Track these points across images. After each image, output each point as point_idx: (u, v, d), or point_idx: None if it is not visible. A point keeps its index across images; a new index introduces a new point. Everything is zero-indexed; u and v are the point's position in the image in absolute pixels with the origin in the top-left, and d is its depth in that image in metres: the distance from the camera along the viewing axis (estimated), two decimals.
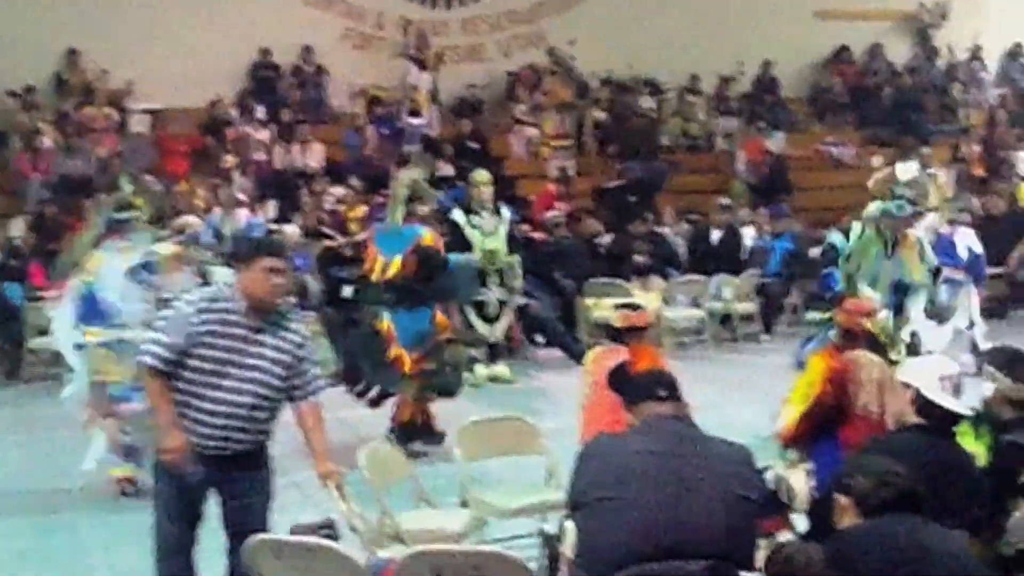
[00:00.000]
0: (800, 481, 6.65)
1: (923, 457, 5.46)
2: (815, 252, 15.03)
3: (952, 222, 14.36)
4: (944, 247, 13.62)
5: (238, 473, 6.32)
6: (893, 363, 8.14)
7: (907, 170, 11.55)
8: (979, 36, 24.92)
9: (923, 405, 5.79)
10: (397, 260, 10.95)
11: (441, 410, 11.27)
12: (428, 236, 11.15)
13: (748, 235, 18.06)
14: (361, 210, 18.59)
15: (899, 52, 25.08)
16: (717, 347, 16.05)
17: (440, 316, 11.12)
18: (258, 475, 6.44)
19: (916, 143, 22.26)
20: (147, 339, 6.45)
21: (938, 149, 22.29)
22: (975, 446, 6.17)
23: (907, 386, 5.88)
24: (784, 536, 6.15)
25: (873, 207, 11.10)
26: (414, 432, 10.94)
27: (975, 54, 25.06)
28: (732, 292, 16.43)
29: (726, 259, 17.49)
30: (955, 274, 13.67)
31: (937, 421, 5.78)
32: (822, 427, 6.77)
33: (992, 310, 17.43)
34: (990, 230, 17.89)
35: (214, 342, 6.18)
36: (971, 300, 13.83)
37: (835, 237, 11.41)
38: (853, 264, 10.82)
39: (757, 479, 5.30)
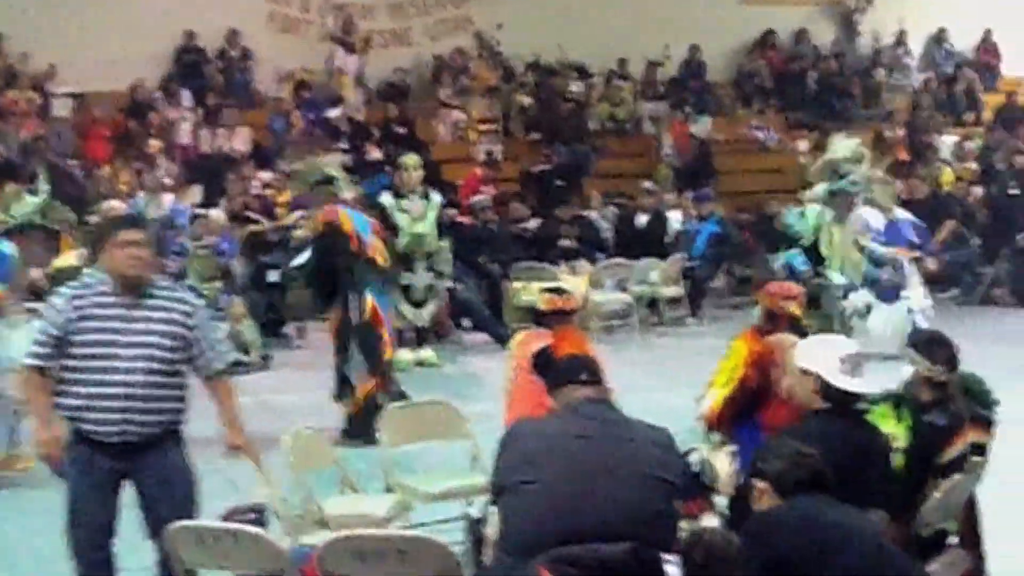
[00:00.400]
0: (723, 463, 6.66)
1: (836, 440, 5.50)
2: (754, 233, 15.02)
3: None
4: (893, 231, 13.83)
5: (148, 460, 6.24)
6: None
7: (846, 145, 11.60)
8: (903, 21, 25.11)
9: (827, 390, 5.82)
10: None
11: None
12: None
13: (674, 219, 18.12)
14: (287, 194, 18.52)
15: (824, 37, 25.24)
16: (644, 331, 16.09)
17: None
18: (168, 461, 6.32)
19: (840, 127, 22.46)
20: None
21: (862, 134, 22.35)
22: (896, 428, 6.21)
23: (807, 372, 5.90)
24: (707, 518, 6.17)
25: (821, 188, 11.17)
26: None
27: (899, 39, 25.26)
28: (658, 276, 16.48)
29: (652, 243, 17.55)
30: (902, 254, 13.88)
31: (842, 404, 5.82)
32: (745, 410, 6.80)
33: None
34: (913, 214, 18.08)
35: (93, 326, 6.12)
36: (916, 281, 14.02)
37: (791, 218, 11.40)
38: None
39: (678, 462, 5.33)
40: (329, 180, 11.38)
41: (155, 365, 6.15)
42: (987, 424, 6.33)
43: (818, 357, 5.91)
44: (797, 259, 10.90)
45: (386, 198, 14.00)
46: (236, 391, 6.53)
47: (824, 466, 4.98)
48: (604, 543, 4.85)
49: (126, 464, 6.21)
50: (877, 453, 5.78)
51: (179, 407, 6.34)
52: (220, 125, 20.26)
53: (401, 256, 13.46)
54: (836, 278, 11.09)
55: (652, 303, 16.66)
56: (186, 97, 20.51)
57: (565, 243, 17.37)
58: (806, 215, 11.05)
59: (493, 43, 22.40)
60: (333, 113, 20.98)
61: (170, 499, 6.26)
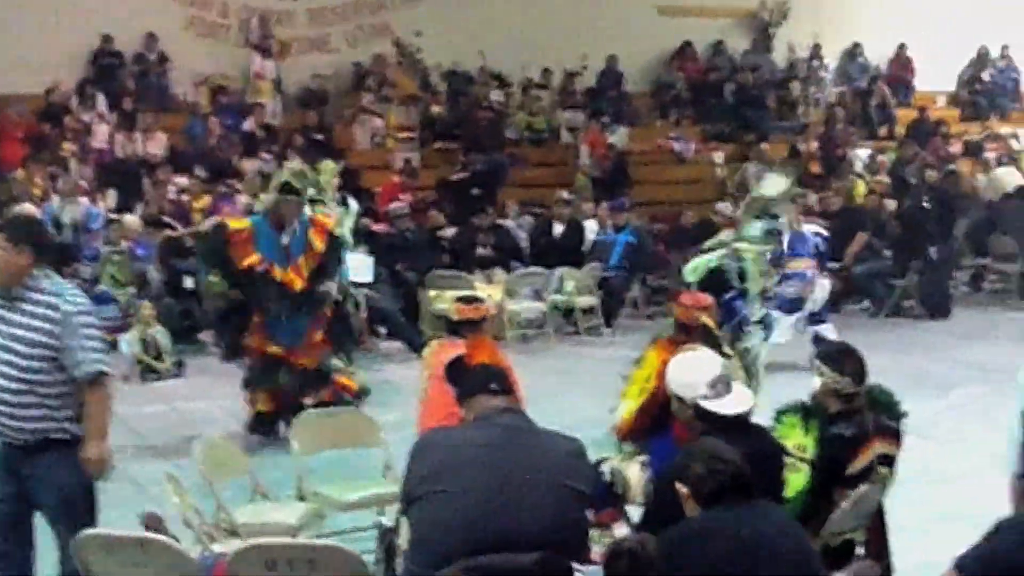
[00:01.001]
0: (635, 473, 6.70)
1: (740, 448, 5.54)
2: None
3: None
4: (795, 241, 13.99)
5: (34, 465, 6.17)
6: (726, 356, 8.28)
7: (777, 183, 11.62)
8: (819, 35, 25.34)
9: (703, 415, 5.87)
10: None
11: None
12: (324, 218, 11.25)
13: (590, 228, 18.17)
14: (205, 200, 18.44)
15: (741, 49, 25.43)
16: (559, 340, 16.15)
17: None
18: (52, 468, 6.18)
19: (755, 139, 22.67)
20: None
21: (777, 146, 22.69)
22: (804, 439, 6.26)
23: (682, 401, 5.94)
24: (618, 527, 6.20)
25: (758, 228, 11.18)
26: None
27: (815, 52, 25.48)
28: (574, 285, 16.53)
29: (568, 252, 17.59)
30: (804, 267, 14.03)
31: (727, 425, 5.84)
32: (657, 420, 6.81)
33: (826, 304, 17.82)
34: (827, 226, 18.26)
35: None
36: (818, 293, 14.15)
37: (710, 261, 11.35)
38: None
39: (589, 471, 5.36)
40: (291, 189, 11.16)
41: (15, 372, 6.08)
42: (895, 435, 6.38)
43: (688, 384, 5.95)
44: (736, 301, 10.99)
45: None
46: (107, 401, 6.31)
47: (743, 470, 4.93)
48: (515, 553, 4.86)
49: (10, 466, 6.16)
50: (771, 459, 5.85)
51: (55, 414, 6.17)
52: (136, 129, 20.08)
53: None
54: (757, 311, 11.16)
55: (567, 312, 16.71)
56: (102, 101, 20.32)
57: (482, 252, 17.40)
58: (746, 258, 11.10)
59: (412, 51, 22.38)
60: (250, 119, 20.89)
61: (56, 506, 6.20)
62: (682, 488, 4.92)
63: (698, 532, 4.84)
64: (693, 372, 6.13)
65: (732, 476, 4.86)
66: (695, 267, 11.01)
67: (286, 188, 11.04)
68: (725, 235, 11.74)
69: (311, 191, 11.55)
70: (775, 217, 11.40)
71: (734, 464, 4.90)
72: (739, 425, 5.93)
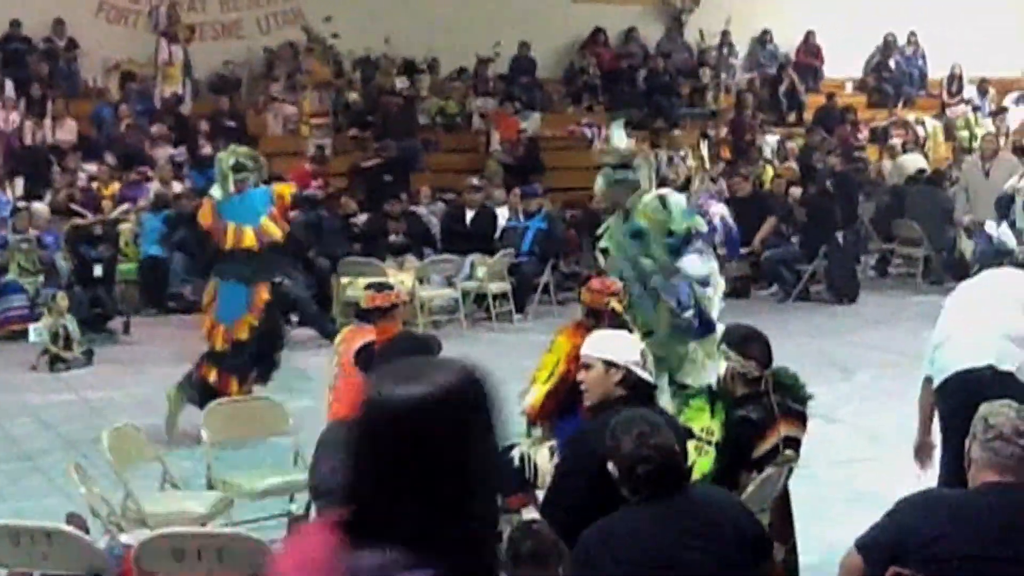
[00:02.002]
0: (544, 458, 6.75)
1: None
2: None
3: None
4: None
5: None
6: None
7: (620, 136, 11.74)
8: (729, 22, 25.49)
9: (632, 382, 5.91)
10: (250, 229, 10.79)
11: None
12: (284, 187, 11.12)
13: (502, 215, 18.19)
14: (115, 187, 18.29)
15: (653, 36, 25.53)
16: (471, 326, 16.16)
17: (261, 296, 10.88)
18: None
19: (667, 125, 22.79)
20: None
21: (688, 132, 22.81)
22: (710, 422, 6.33)
23: (613, 365, 5.94)
24: (528, 513, 6.24)
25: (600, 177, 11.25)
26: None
27: (725, 39, 25.64)
28: (486, 271, 16.53)
29: (480, 238, 17.60)
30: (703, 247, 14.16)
31: (642, 395, 5.93)
32: (567, 404, 6.87)
33: (735, 290, 17.97)
34: (736, 212, 18.41)
35: None
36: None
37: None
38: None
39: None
40: (239, 167, 11.17)
41: None
42: (800, 418, 6.46)
43: (622, 351, 5.99)
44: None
45: (215, 191, 13.83)
46: None
47: (675, 455, 4.89)
48: None
49: None
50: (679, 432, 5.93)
51: None
52: (45, 116, 19.87)
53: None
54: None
55: (479, 298, 16.73)
56: (10, 87, 20.08)
57: (394, 238, 17.37)
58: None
59: (324, 37, 22.29)
60: (160, 105, 20.74)
61: None
62: (610, 465, 4.91)
63: (615, 534, 4.80)
64: (625, 340, 6.19)
65: (660, 465, 4.80)
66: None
67: (239, 167, 11.07)
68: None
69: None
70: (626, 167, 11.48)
71: (663, 450, 4.83)
72: (652, 399, 6.02)
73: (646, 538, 4.73)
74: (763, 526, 5.22)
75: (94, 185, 18.26)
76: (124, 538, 6.28)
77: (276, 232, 10.88)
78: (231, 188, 11.04)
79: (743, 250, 17.94)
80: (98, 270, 15.76)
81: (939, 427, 7.16)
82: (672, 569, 4.68)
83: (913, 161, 21.75)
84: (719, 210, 14.90)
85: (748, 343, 6.43)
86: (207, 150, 19.51)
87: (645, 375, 5.93)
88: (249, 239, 10.79)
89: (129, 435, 7.43)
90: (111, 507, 6.80)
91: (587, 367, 5.98)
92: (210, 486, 7.71)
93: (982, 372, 6.78)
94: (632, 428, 4.90)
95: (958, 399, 6.56)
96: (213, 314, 10.87)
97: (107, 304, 15.68)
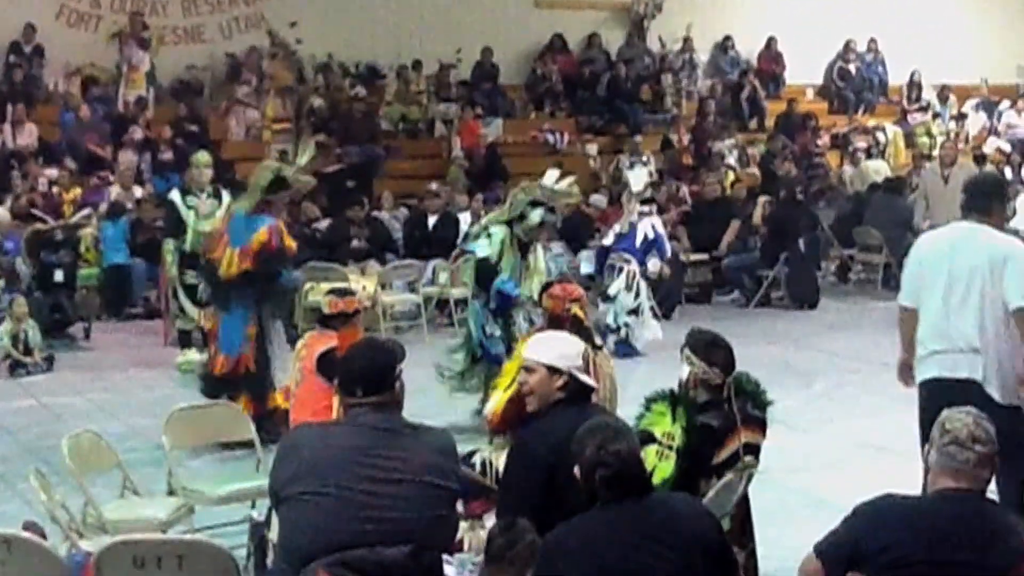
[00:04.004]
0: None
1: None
2: None
3: (642, 214, 15.01)
4: (625, 237, 14.45)
5: None
6: (597, 348, 8.38)
7: (552, 176, 11.89)
8: (691, 28, 25.56)
9: (574, 387, 5.96)
10: (236, 252, 10.67)
11: (147, 399, 11.11)
12: (263, 233, 10.73)
13: (464, 220, 18.20)
14: (76, 192, 18.23)
15: (615, 42, 25.57)
16: (433, 331, 16.15)
17: (250, 328, 10.78)
18: None
19: (628, 131, 22.85)
20: None
21: (649, 138, 22.88)
22: (671, 428, 6.34)
23: (556, 370, 5.98)
24: (489, 519, 6.24)
25: (536, 215, 11.31)
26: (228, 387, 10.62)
27: (687, 45, 25.71)
28: (448, 277, 16.55)
29: (442, 244, 17.61)
30: (621, 262, 14.48)
31: (583, 398, 5.99)
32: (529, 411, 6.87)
33: (697, 295, 18.08)
34: (698, 218, 18.51)
35: None
36: (637, 284, 14.45)
37: (479, 248, 11.46)
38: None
39: (456, 467, 5.35)
40: (281, 185, 11.02)
41: None
42: (760, 424, 6.48)
43: (566, 356, 6.03)
44: (508, 284, 11.05)
45: (174, 195, 13.82)
46: None
47: (633, 463, 4.90)
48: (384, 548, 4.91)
49: None
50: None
51: None
52: (5, 121, 19.75)
53: (188, 255, 13.30)
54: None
55: (441, 304, 16.73)
56: None
57: (356, 244, 17.36)
58: (492, 237, 11.22)
59: (288, 42, 22.26)
60: (123, 110, 20.67)
61: None
62: (576, 469, 4.92)
63: (575, 539, 4.82)
64: (568, 344, 6.21)
65: (619, 470, 4.82)
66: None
67: (280, 185, 11.00)
68: (494, 215, 11.97)
69: None
70: (552, 210, 11.61)
71: (623, 456, 4.85)
72: (590, 400, 6.10)
73: (605, 543, 4.75)
74: (726, 538, 5.24)
75: (55, 190, 18.18)
76: (84, 545, 6.26)
77: (247, 265, 10.72)
78: (252, 206, 10.88)
79: (705, 256, 18.08)
80: (59, 275, 15.69)
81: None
82: (630, 574, 4.70)
83: (876, 168, 21.87)
84: (647, 225, 15.02)
85: (712, 349, 6.44)
86: (169, 155, 19.48)
87: (586, 379, 5.98)
88: (235, 267, 10.71)
89: (89, 441, 7.39)
90: (71, 514, 6.77)
91: (530, 370, 5.98)
92: (171, 492, 7.69)
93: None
94: (596, 434, 4.92)
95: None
96: (217, 343, 10.79)
97: (68, 310, 15.62)
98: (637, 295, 14.48)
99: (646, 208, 15.19)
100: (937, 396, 7.15)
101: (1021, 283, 7.26)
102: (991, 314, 7.33)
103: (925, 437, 6.90)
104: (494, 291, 11.00)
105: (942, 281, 7.48)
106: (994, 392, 7.25)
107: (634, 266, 14.59)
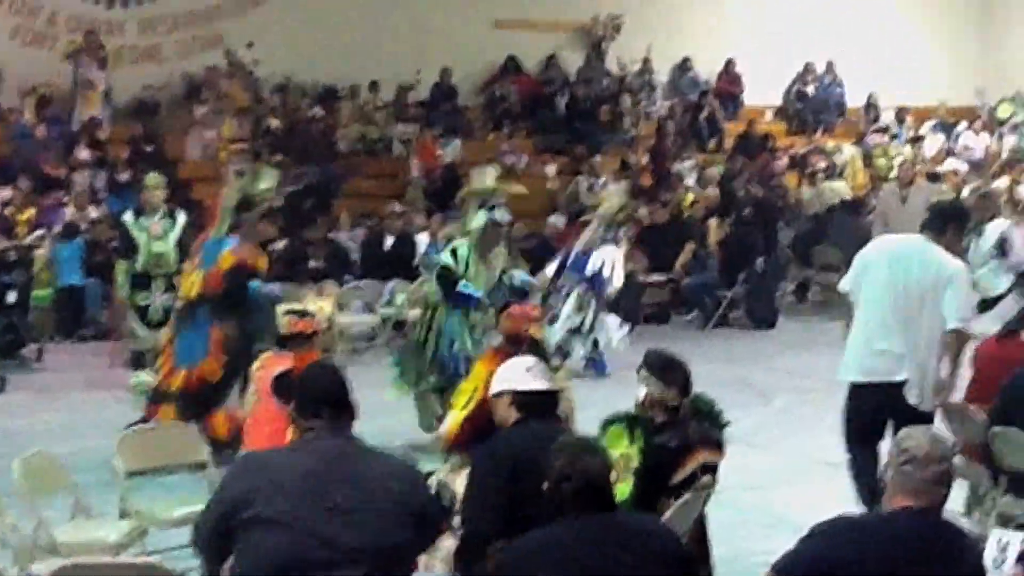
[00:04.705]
0: (462, 485, 6.72)
1: (544, 440, 5.63)
2: None
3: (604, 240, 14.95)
4: (577, 262, 14.45)
5: None
6: (555, 369, 8.36)
7: (489, 174, 12.00)
8: (650, 49, 25.61)
9: (522, 400, 5.99)
10: (201, 274, 10.68)
11: (99, 420, 11.03)
12: (227, 257, 10.77)
13: (422, 241, 18.17)
14: (30, 212, 18.09)
15: (573, 63, 25.61)
16: (390, 352, 16.07)
17: (215, 335, 10.73)
18: None
19: (587, 152, 22.86)
20: None
21: (608, 159, 22.88)
22: (629, 449, 6.33)
23: (500, 394, 6.04)
24: (445, 540, 6.20)
25: (481, 218, 11.39)
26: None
27: (646, 67, 25.77)
28: (405, 298, 16.50)
29: (400, 265, 17.57)
30: (571, 284, 14.50)
31: (539, 408, 6.01)
32: (485, 431, 6.85)
33: (656, 315, 18.09)
34: (655, 238, 18.51)
35: None
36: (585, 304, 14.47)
37: (444, 258, 11.50)
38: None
39: (419, 491, 5.28)
40: (249, 204, 11.10)
41: None
42: (717, 444, 6.49)
43: (503, 377, 6.07)
44: (468, 286, 11.10)
45: (127, 216, 13.74)
46: None
47: (599, 478, 4.92)
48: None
49: None
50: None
51: None
52: None
53: (140, 276, 13.25)
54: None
55: (399, 325, 16.67)
56: None
57: (313, 264, 17.29)
58: (459, 253, 11.27)
59: (246, 62, 22.20)
60: (78, 130, 20.55)
61: None
62: (545, 488, 4.94)
63: (540, 549, 4.85)
64: (509, 367, 6.30)
65: (585, 485, 4.86)
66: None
67: (249, 204, 11.14)
68: (451, 229, 12.06)
69: None
70: (491, 208, 11.74)
71: (589, 472, 4.88)
72: (553, 410, 6.18)
73: (571, 553, 4.78)
74: (693, 555, 5.25)
75: (8, 210, 18.04)
76: (36, 568, 6.20)
77: (213, 286, 10.69)
78: (224, 230, 10.89)
79: (663, 276, 18.12)
80: (12, 296, 15.54)
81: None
82: None
83: (834, 188, 21.94)
84: (603, 254, 14.89)
85: (668, 370, 6.46)
86: (125, 176, 19.36)
87: (535, 385, 6.00)
88: (196, 288, 10.67)
89: (41, 463, 7.32)
90: (22, 536, 6.69)
91: (493, 405, 6.22)
92: (123, 515, 7.61)
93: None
94: (566, 449, 5.00)
95: None
96: (172, 358, 10.72)
97: (21, 331, 15.48)
98: (582, 313, 14.46)
99: (609, 234, 14.98)
100: (870, 398, 8.31)
101: (959, 305, 8.13)
102: (927, 326, 8.15)
103: (852, 434, 8.42)
104: (456, 293, 11.07)
105: (891, 288, 8.25)
106: (912, 397, 8.17)
107: (583, 288, 14.53)
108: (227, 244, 10.81)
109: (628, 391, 6.72)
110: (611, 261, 14.55)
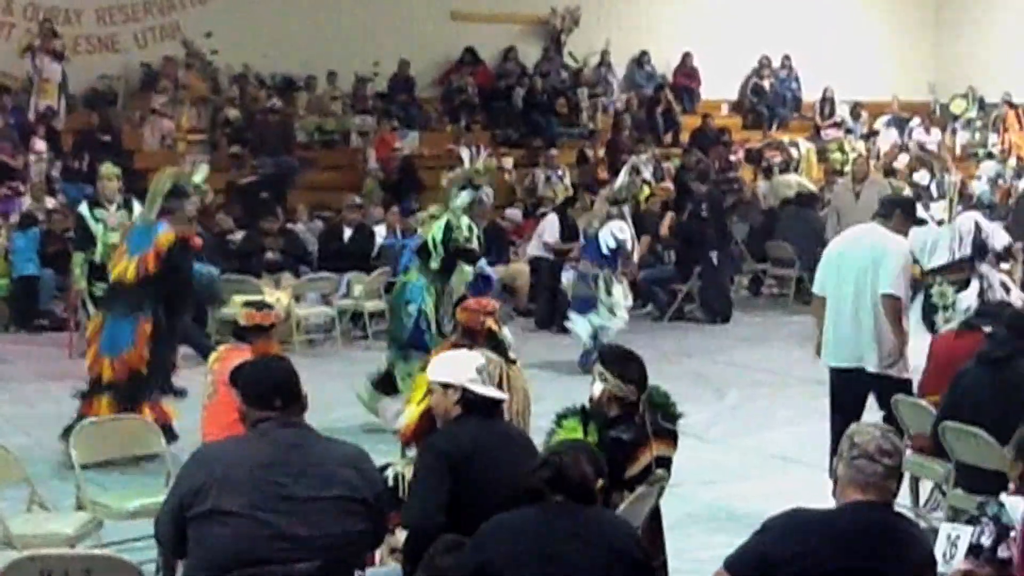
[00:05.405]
0: None
1: (491, 436, 5.99)
2: None
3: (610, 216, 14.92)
4: (590, 245, 14.46)
5: None
6: (511, 362, 8.41)
7: (480, 158, 12.28)
8: (608, 43, 25.68)
9: (470, 400, 6.05)
10: (135, 260, 10.56)
11: (54, 411, 11.00)
12: (167, 235, 10.67)
13: (379, 233, 18.16)
14: None
15: (531, 55, 25.63)
16: (347, 344, 16.11)
17: (143, 326, 10.62)
18: None
19: (544, 145, 22.91)
20: None
21: (565, 151, 22.94)
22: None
23: (449, 387, 6.09)
24: (401, 532, 6.24)
25: (464, 197, 11.57)
26: None
27: (603, 60, 25.82)
28: (362, 290, 16.49)
29: (357, 257, 17.52)
30: (591, 268, 14.47)
31: (483, 410, 6.07)
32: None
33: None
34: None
35: None
36: (614, 290, 14.45)
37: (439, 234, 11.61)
38: None
39: (371, 480, 5.33)
40: (178, 192, 11.01)
41: None
42: (672, 437, 6.54)
43: (456, 372, 6.11)
44: (486, 267, 11.35)
45: (82, 207, 13.66)
46: None
47: (576, 471, 5.01)
48: (292, 564, 4.90)
49: None
50: (523, 443, 6.13)
51: None
52: None
53: (98, 267, 13.18)
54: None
55: (355, 317, 16.67)
56: None
57: (270, 256, 17.24)
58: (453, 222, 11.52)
59: (203, 52, 22.13)
60: (34, 120, 20.43)
61: None
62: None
63: (506, 526, 4.96)
64: (460, 359, 6.35)
65: (556, 474, 4.96)
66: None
67: (178, 193, 11.03)
68: (434, 209, 12.21)
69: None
70: (477, 188, 11.98)
71: (564, 463, 5.00)
72: (498, 413, 6.27)
73: (533, 531, 4.87)
74: (650, 556, 5.30)
75: None
76: None
77: (150, 269, 10.64)
78: (153, 214, 10.85)
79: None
80: None
81: None
82: (552, 563, 4.79)
83: (788, 182, 22.01)
84: (607, 232, 14.93)
85: (625, 364, 6.50)
86: (82, 165, 19.27)
87: (484, 391, 6.05)
88: (131, 273, 10.61)
89: None
90: None
91: (430, 391, 6.25)
92: (79, 507, 7.61)
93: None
94: (554, 451, 5.24)
95: None
96: (97, 346, 10.65)
97: None
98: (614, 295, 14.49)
99: (615, 210, 15.00)
100: (843, 379, 9.11)
101: (890, 275, 8.84)
102: (873, 301, 8.90)
103: (834, 412, 9.08)
104: (476, 272, 11.24)
105: (845, 273, 9.06)
106: (869, 366, 8.94)
107: (605, 271, 14.54)
108: (159, 228, 10.72)
109: (583, 384, 6.77)
110: (619, 230, 14.57)
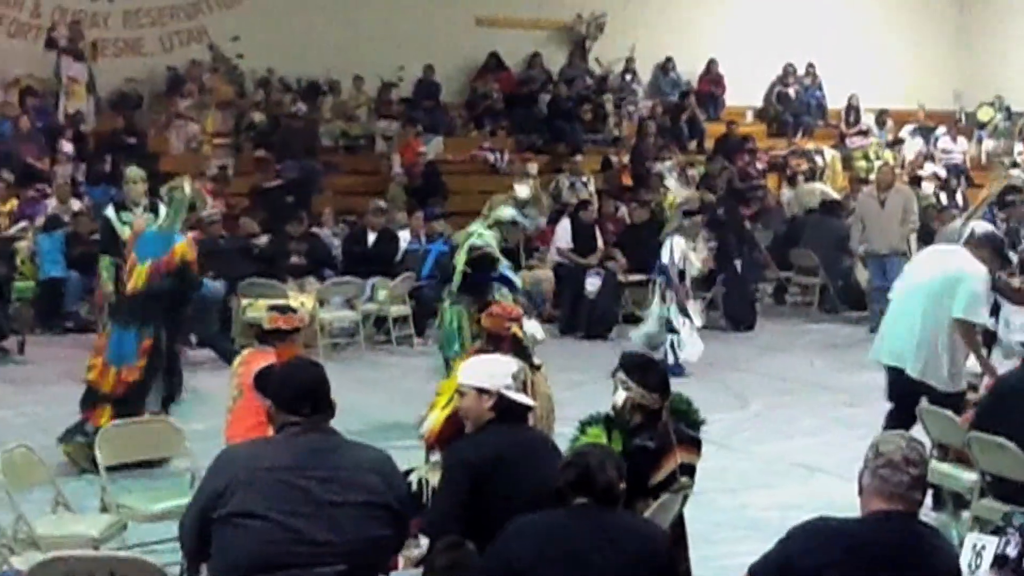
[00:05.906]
0: None
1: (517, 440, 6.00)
2: None
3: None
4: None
5: None
6: (536, 368, 8.40)
7: (526, 189, 12.33)
8: (633, 49, 25.66)
9: (505, 406, 6.05)
10: (146, 265, 10.59)
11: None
12: (183, 246, 10.74)
13: (404, 238, 18.18)
14: (12, 204, 18.07)
15: (556, 61, 25.63)
16: (371, 349, 16.12)
17: (146, 342, 10.59)
18: None
19: (568, 151, 22.89)
20: None
21: (589, 158, 22.92)
22: None
23: (485, 392, 6.08)
24: (425, 537, 6.24)
25: (508, 212, 11.60)
26: None
27: (628, 66, 25.80)
28: (386, 294, 16.50)
29: (381, 261, 17.54)
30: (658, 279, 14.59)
31: (515, 416, 6.07)
32: (465, 430, 6.88)
33: (634, 316, 18.09)
34: (635, 238, 18.52)
35: None
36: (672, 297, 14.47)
37: (486, 239, 11.63)
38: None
39: (395, 485, 5.33)
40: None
41: None
42: (695, 444, 6.53)
43: (493, 377, 6.10)
44: (508, 270, 11.38)
45: (109, 211, 13.69)
46: None
47: (603, 474, 5.06)
48: (314, 568, 4.91)
49: None
50: (549, 449, 6.12)
51: None
52: None
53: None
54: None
55: (379, 321, 16.69)
56: None
57: (294, 260, 17.28)
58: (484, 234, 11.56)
59: (229, 56, 22.19)
60: (63, 122, 20.50)
61: None
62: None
63: (533, 526, 5.01)
64: (496, 364, 6.31)
65: (581, 476, 5.04)
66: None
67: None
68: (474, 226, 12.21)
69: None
70: (526, 215, 12.14)
71: (590, 465, 5.07)
72: (525, 419, 6.30)
73: (560, 533, 4.93)
74: (676, 561, 5.32)
75: None
76: (15, 562, 6.21)
77: (167, 271, 10.64)
78: (179, 224, 10.89)
79: (642, 276, 18.12)
80: None
81: None
82: (577, 566, 4.83)
83: (813, 191, 21.97)
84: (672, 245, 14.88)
85: (646, 372, 6.49)
86: (107, 168, 19.33)
87: (518, 397, 6.05)
88: (142, 279, 10.61)
89: (22, 456, 7.32)
90: (2, 530, 6.70)
91: (462, 394, 6.20)
92: (104, 509, 7.63)
93: None
94: (579, 452, 5.31)
95: None
96: (105, 356, 10.65)
97: (2, 323, 15.45)
98: (665, 305, 14.48)
99: (687, 222, 14.99)
100: (894, 376, 9.27)
101: (964, 300, 8.84)
102: (935, 320, 8.96)
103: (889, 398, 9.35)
104: (497, 275, 11.27)
105: (911, 284, 9.27)
106: (922, 376, 9.00)
107: (661, 280, 14.53)
108: (179, 238, 10.78)
109: (606, 391, 6.76)
110: (679, 250, 14.54)
